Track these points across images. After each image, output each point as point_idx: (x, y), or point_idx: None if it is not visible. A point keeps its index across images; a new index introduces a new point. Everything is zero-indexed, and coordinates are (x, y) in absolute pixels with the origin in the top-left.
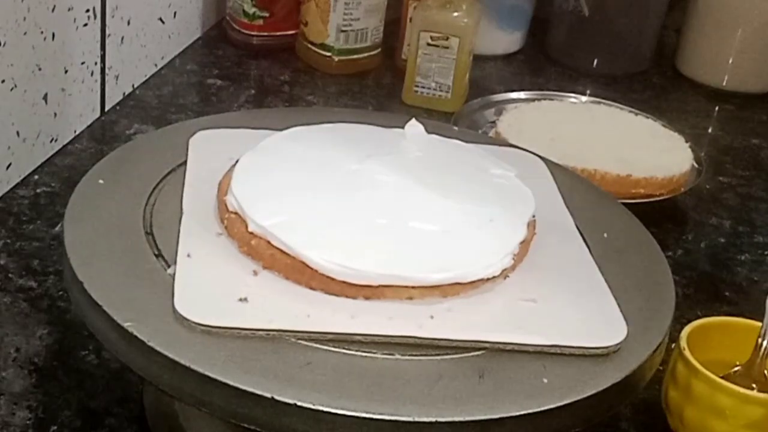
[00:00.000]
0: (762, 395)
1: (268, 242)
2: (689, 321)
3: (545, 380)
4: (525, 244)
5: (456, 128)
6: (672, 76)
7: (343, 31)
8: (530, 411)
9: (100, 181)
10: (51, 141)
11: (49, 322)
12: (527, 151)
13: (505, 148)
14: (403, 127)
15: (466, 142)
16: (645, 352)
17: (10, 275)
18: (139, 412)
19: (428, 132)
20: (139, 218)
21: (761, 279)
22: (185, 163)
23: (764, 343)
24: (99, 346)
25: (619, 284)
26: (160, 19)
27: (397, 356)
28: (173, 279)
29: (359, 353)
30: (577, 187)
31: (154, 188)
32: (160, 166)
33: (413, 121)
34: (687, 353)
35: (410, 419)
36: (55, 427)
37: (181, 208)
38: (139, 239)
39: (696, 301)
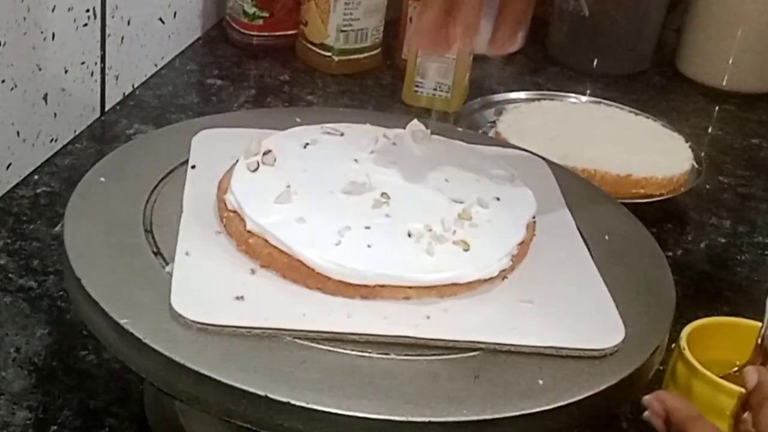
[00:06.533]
0: None
1: (266, 241)
2: (689, 321)
3: (540, 381)
4: (524, 246)
5: (460, 129)
6: (672, 76)
7: (343, 31)
8: (524, 412)
9: (102, 179)
10: (51, 141)
11: (49, 322)
12: (529, 152)
13: (508, 149)
14: (404, 128)
15: (468, 142)
16: (642, 355)
17: (10, 275)
18: (139, 412)
19: (430, 133)
20: (140, 216)
21: (761, 279)
22: (187, 161)
23: (764, 343)
24: (99, 346)
25: (619, 286)
26: (160, 19)
27: (393, 356)
28: (170, 276)
29: (354, 352)
30: (578, 188)
31: (156, 186)
32: (161, 165)
33: (415, 121)
34: (687, 353)
35: (404, 419)
36: (55, 427)
37: (182, 207)
38: (139, 237)
39: (696, 301)
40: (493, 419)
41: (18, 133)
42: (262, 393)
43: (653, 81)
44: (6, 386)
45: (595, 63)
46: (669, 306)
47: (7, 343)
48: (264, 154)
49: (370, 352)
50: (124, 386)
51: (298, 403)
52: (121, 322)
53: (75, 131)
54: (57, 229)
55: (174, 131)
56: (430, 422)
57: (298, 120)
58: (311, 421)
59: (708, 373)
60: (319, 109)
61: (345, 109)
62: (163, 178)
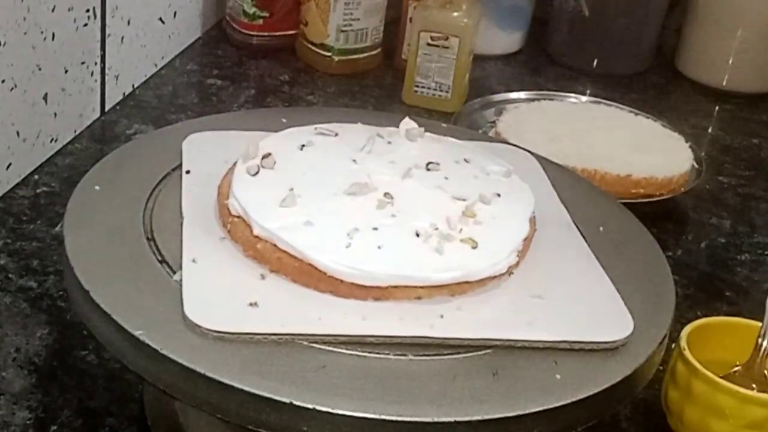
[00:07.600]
0: (762, 395)
1: (275, 245)
2: (689, 321)
3: (558, 376)
4: (528, 241)
5: (444, 125)
6: (672, 76)
7: (343, 31)
8: (548, 407)
9: (97, 188)
10: (51, 141)
11: (49, 322)
12: (518, 147)
13: (497, 144)
14: (394, 126)
15: (459, 139)
16: (651, 344)
17: (10, 275)
18: (139, 412)
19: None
20: (140, 224)
21: (761, 279)
22: (180, 166)
23: (764, 343)
24: (99, 346)
25: (617, 277)
26: (160, 19)
27: (410, 357)
28: (180, 285)
29: (372, 355)
30: (568, 181)
31: (151, 193)
32: (155, 170)
33: (407, 119)
34: (687, 353)
35: (431, 420)
36: (55, 427)
37: (181, 213)
38: (142, 245)
39: (696, 301)
40: (518, 416)
41: (18, 133)
42: (286, 400)
43: (653, 81)
44: (6, 386)
45: (595, 63)
46: (670, 298)
47: (7, 343)
48: (263, 157)
49: (387, 354)
50: (124, 386)
51: (323, 409)
52: (136, 333)
53: (75, 131)
54: (57, 229)
55: (166, 134)
56: (456, 422)
57: (284, 121)
58: (337, 426)
59: (708, 373)
60: (304, 109)
61: (329, 108)
62: (157, 184)
